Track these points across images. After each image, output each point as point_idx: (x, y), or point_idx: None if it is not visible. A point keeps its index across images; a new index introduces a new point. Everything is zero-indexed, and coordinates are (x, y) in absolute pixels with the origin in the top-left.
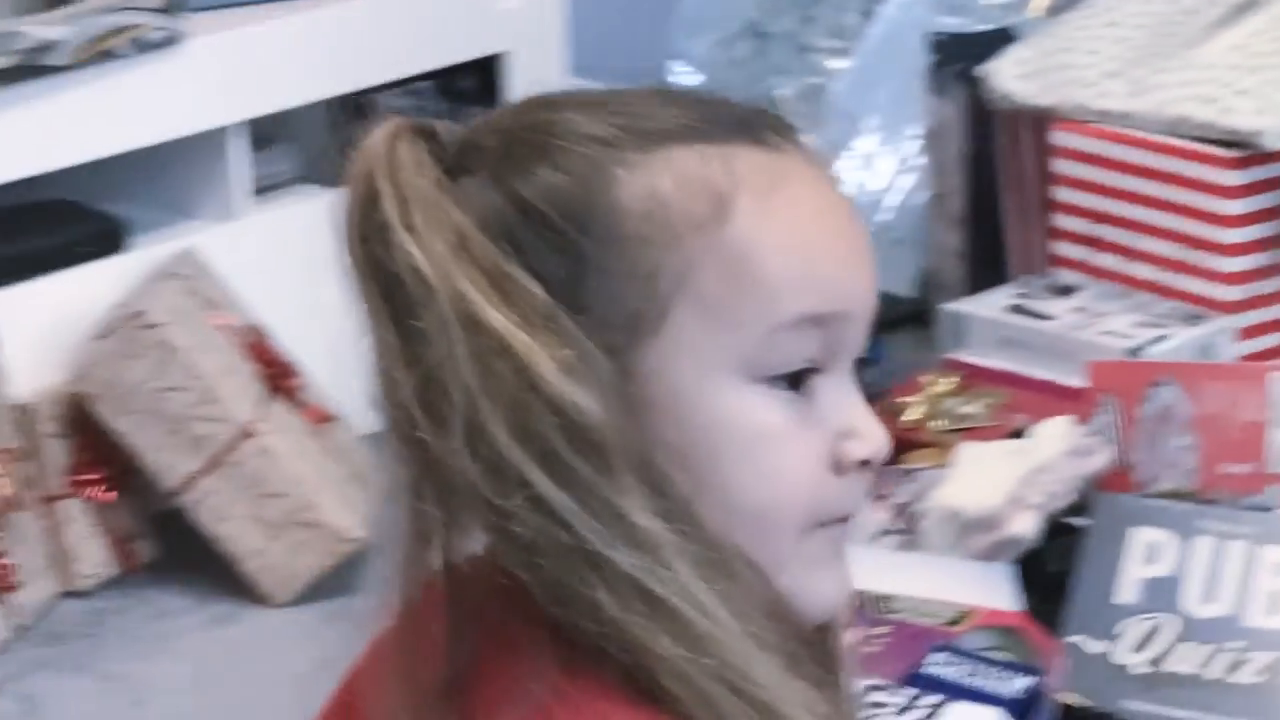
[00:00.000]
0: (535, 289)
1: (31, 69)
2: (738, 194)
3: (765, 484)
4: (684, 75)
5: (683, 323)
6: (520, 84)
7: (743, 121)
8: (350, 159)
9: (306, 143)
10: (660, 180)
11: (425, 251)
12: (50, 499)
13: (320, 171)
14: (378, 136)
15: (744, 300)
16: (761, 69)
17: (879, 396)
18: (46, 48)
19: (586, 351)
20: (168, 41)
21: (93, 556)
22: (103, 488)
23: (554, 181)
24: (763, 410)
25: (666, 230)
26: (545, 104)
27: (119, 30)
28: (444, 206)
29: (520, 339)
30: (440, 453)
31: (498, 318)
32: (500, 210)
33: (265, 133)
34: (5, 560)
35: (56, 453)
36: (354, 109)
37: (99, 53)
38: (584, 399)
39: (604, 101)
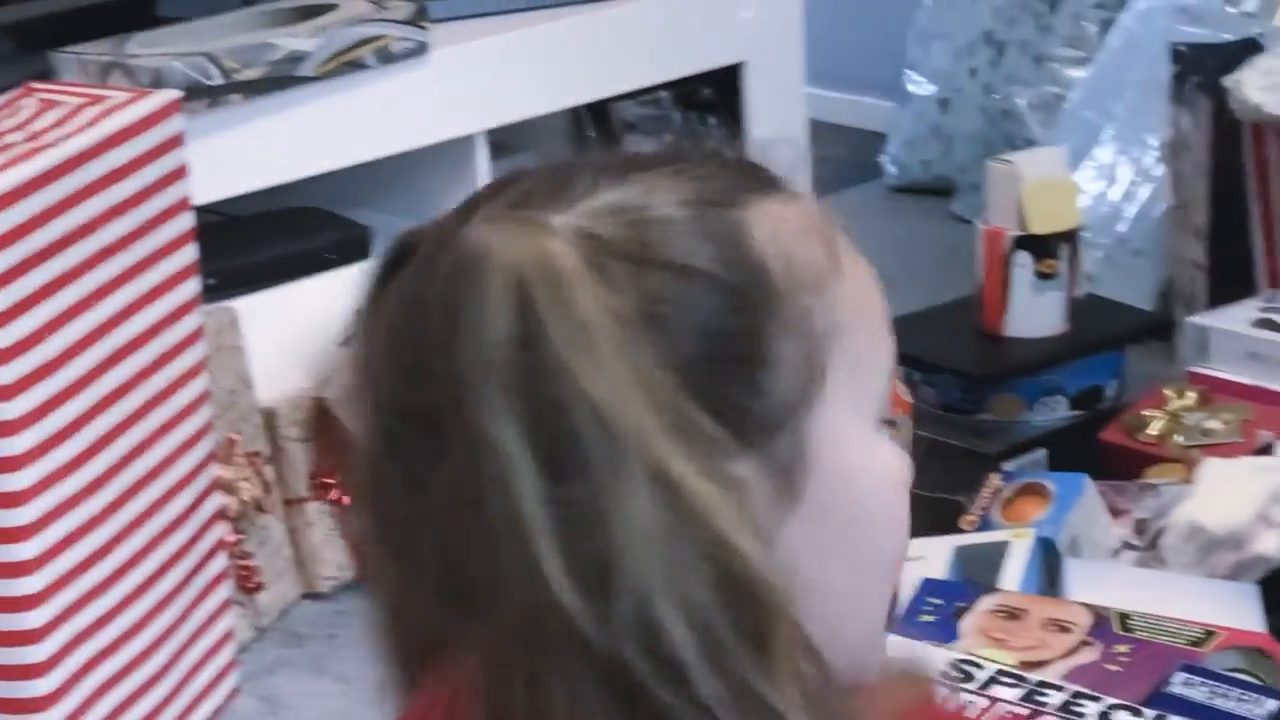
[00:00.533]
0: (713, 428)
1: (281, 79)
2: (835, 236)
3: (898, 534)
4: (919, 85)
5: (837, 379)
6: (759, 93)
7: (762, 172)
8: (471, 259)
9: (546, 151)
10: (776, 229)
11: (610, 391)
12: (293, 502)
13: None
14: (524, 242)
15: (874, 342)
16: (998, 78)
17: (1119, 411)
18: (296, 59)
19: (762, 501)
20: (413, 52)
21: (333, 559)
22: (343, 492)
23: (698, 248)
24: (893, 456)
25: (807, 277)
26: (595, 187)
27: (366, 41)
28: (626, 334)
29: (714, 500)
30: (587, 630)
31: (690, 473)
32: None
33: (506, 141)
34: (249, 562)
35: (299, 457)
36: (594, 117)
37: (346, 63)
38: (776, 577)
39: (657, 171)
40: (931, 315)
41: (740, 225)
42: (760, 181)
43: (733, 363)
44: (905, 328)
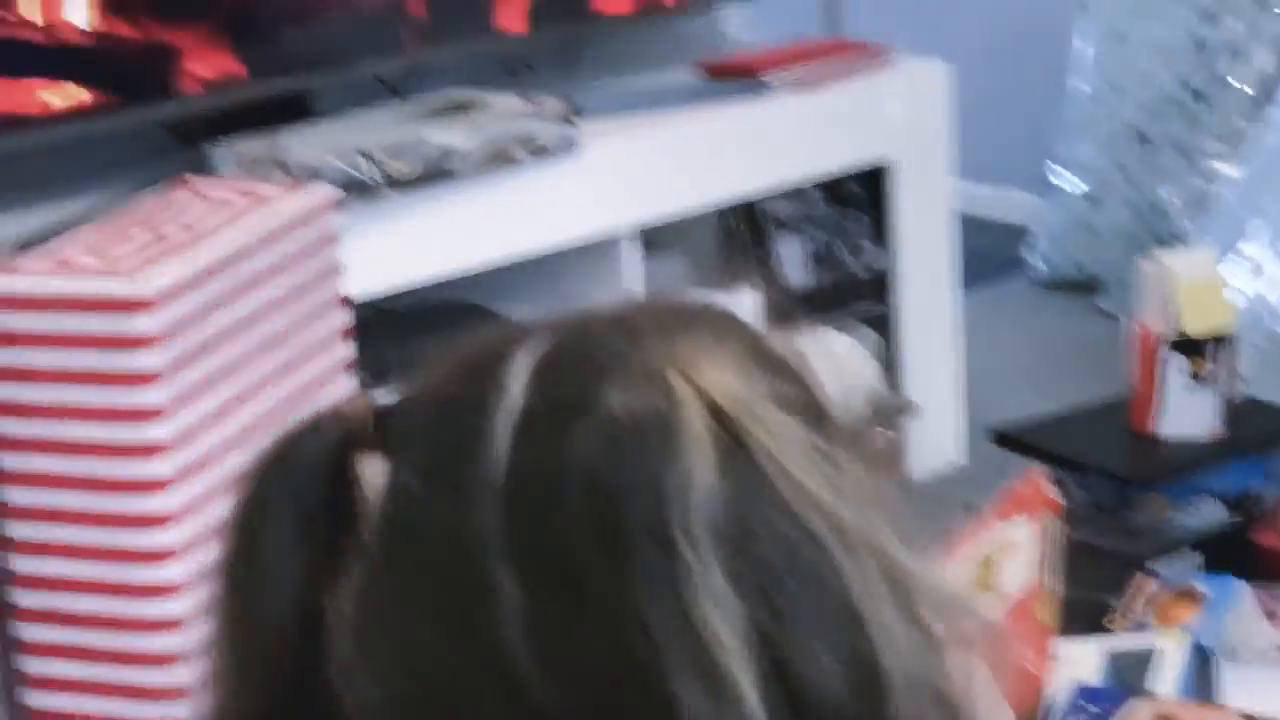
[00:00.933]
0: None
1: (434, 175)
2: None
3: None
4: (1066, 179)
5: None
6: (906, 190)
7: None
8: (645, 415)
9: (695, 247)
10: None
11: (828, 494)
12: None
13: (708, 275)
14: (695, 380)
15: None
16: (1146, 173)
17: (1274, 513)
18: (449, 155)
19: None
20: (564, 149)
21: None
22: None
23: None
24: None
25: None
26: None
27: (518, 138)
28: (814, 442)
29: (941, 585)
30: None
31: (912, 561)
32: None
33: (655, 236)
34: None
35: None
36: (743, 214)
37: (499, 159)
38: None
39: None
40: (1081, 415)
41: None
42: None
43: None
44: (1055, 427)
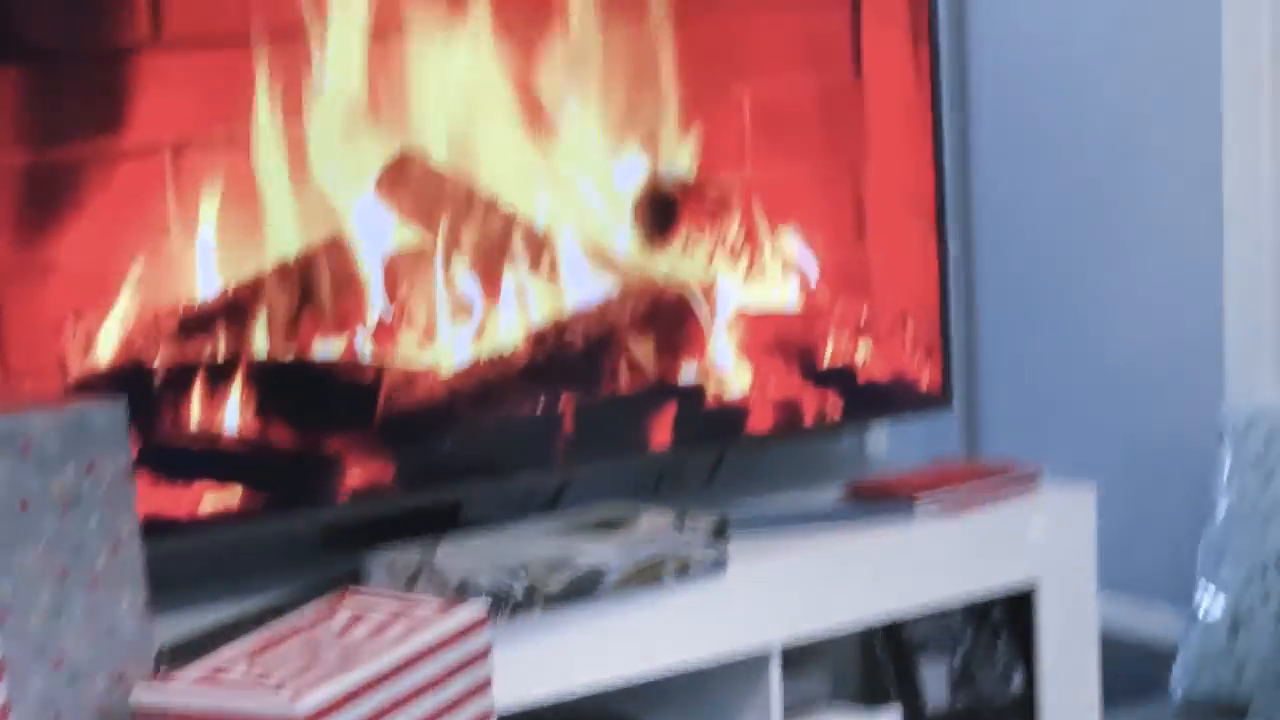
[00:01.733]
0: None
1: (584, 591)
2: None
3: None
4: (1210, 602)
5: None
6: (1050, 613)
7: None
8: None
9: (837, 663)
10: None
11: None
12: None
13: (850, 691)
14: None
15: None
16: None
17: None
18: (598, 574)
19: None
20: (712, 569)
21: None
22: None
23: None
24: None
25: None
26: None
27: (666, 557)
28: None
29: None
30: None
31: None
32: None
33: (797, 654)
34: None
35: None
36: (886, 633)
37: (647, 577)
38: None
39: None
40: None
41: None
42: None
43: None
44: None
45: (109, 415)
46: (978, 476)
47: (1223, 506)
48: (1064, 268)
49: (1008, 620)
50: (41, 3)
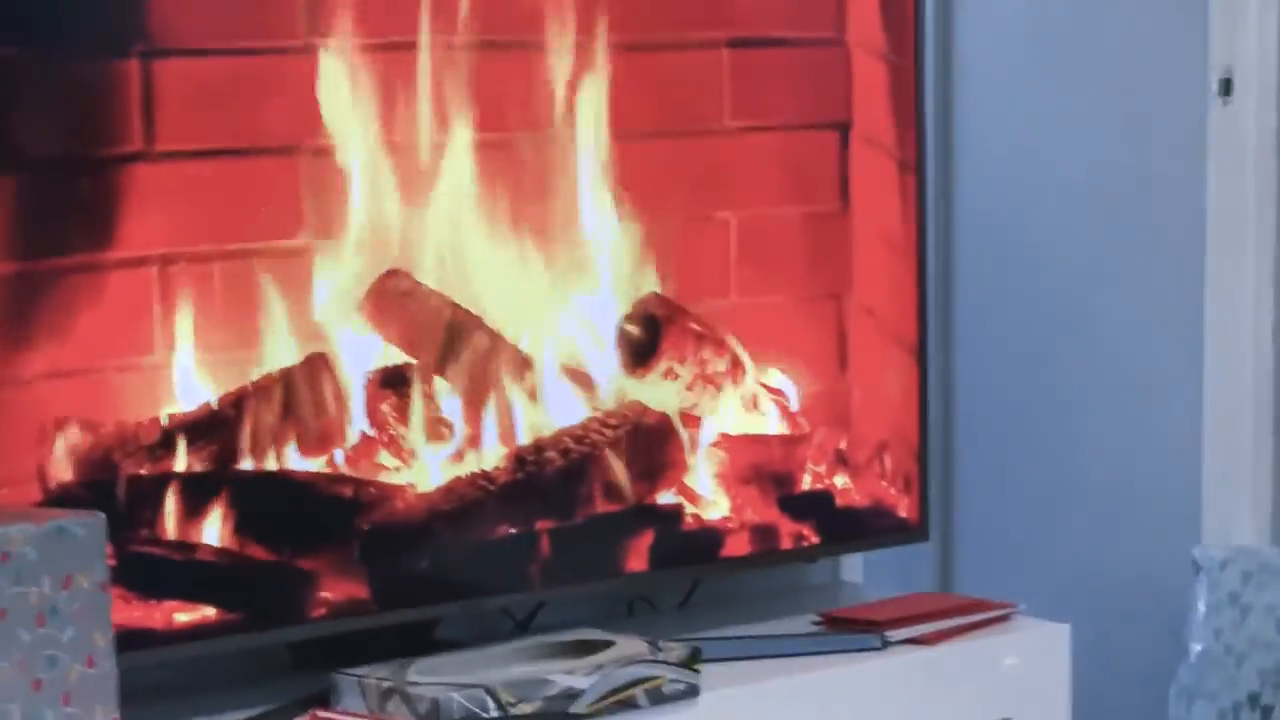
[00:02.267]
0: None
1: (554, 715)
2: None
3: None
4: None
5: None
6: None
7: None
8: None
9: None
10: None
11: None
12: None
13: None
14: None
15: None
16: None
17: None
18: (570, 696)
19: None
20: (684, 694)
21: None
22: None
23: None
24: None
25: None
26: None
27: (640, 681)
28: None
29: None
30: None
31: None
32: None
33: None
34: None
35: None
36: None
37: (618, 702)
38: None
39: None
40: None
41: None
42: None
43: None
44: None
45: (88, 528)
46: (952, 610)
47: (1196, 647)
48: (1043, 402)
49: None
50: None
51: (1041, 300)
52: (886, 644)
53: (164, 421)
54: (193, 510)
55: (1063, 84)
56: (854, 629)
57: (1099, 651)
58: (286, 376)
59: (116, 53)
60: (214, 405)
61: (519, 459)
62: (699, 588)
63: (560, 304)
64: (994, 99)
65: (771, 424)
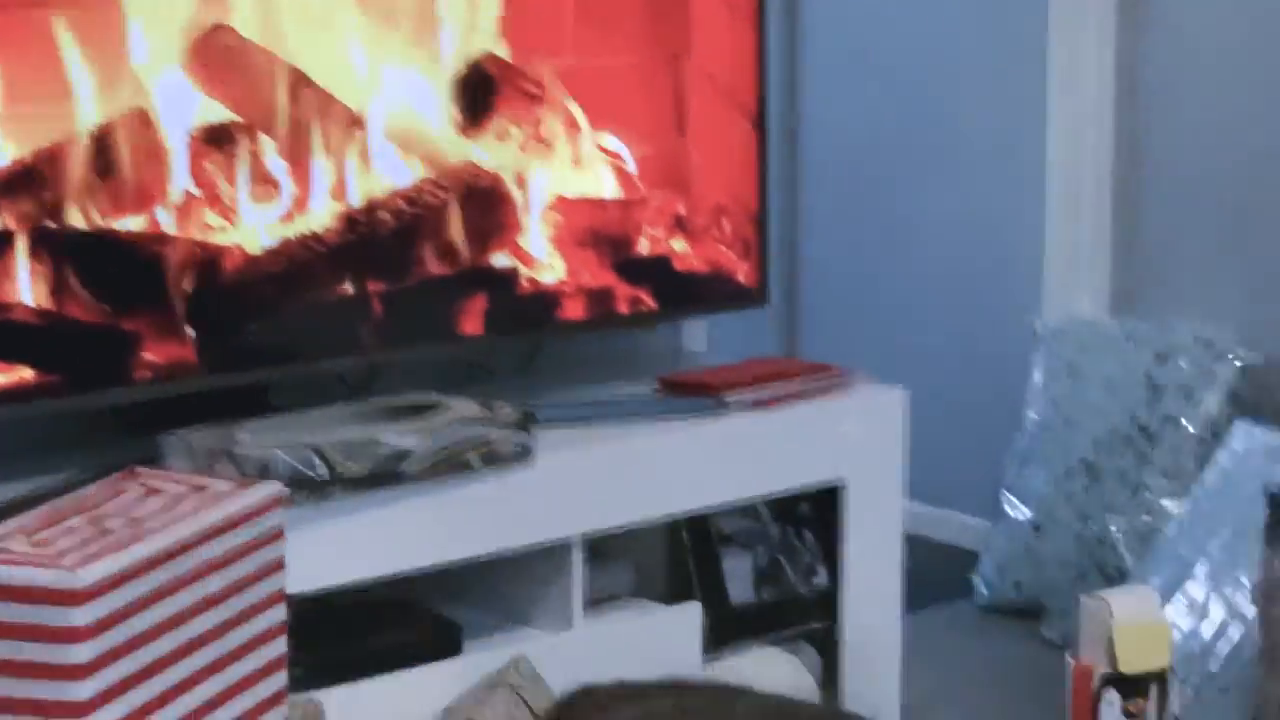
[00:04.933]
0: None
1: (385, 476)
2: None
3: None
4: (1015, 507)
5: None
6: (857, 511)
7: None
8: None
9: (640, 558)
10: None
11: None
12: None
13: (652, 586)
14: None
15: None
16: (1093, 505)
17: None
18: (401, 456)
19: None
20: (518, 456)
21: None
22: None
23: None
24: None
25: None
26: None
27: (472, 443)
28: None
29: None
30: None
31: None
32: None
33: (602, 546)
34: None
35: None
36: (692, 528)
37: (451, 464)
38: None
39: None
40: None
41: None
42: None
43: None
44: None
45: None
46: (791, 374)
47: (1032, 415)
48: (889, 175)
49: (814, 518)
50: None
51: (889, 74)
52: (723, 407)
53: None
54: (5, 269)
55: None
56: (691, 393)
57: (937, 418)
58: (104, 131)
59: None
60: (28, 160)
61: (350, 220)
62: (538, 356)
63: (392, 63)
64: None
65: (608, 187)
